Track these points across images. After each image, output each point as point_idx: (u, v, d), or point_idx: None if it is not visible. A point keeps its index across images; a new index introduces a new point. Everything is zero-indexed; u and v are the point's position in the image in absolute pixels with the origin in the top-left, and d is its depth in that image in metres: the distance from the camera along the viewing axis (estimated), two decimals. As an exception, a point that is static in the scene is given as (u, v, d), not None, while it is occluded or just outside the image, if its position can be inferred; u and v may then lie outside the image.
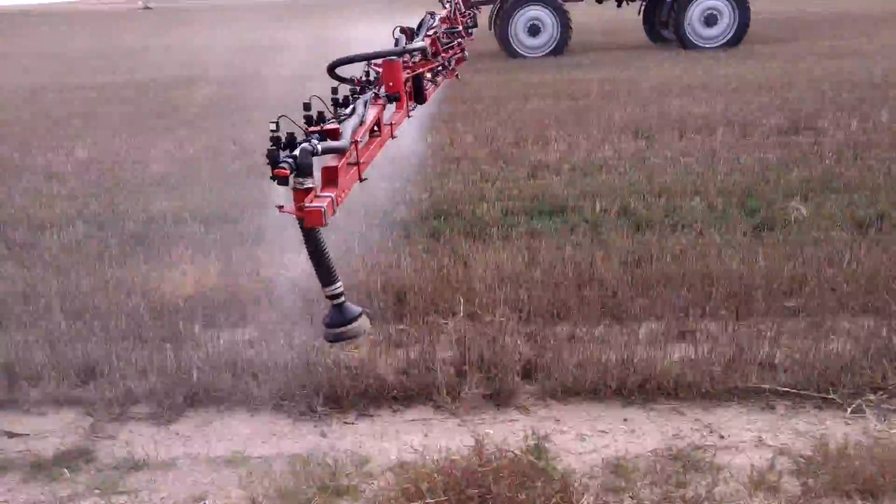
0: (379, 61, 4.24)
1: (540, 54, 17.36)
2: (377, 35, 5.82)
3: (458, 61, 7.09)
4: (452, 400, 3.47)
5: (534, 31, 17.37)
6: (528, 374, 3.71)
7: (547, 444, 2.99)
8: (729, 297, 4.31)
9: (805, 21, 23.48)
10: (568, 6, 17.48)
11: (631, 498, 2.84)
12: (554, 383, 3.58)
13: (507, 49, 17.51)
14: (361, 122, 3.16)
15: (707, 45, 16.90)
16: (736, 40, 16.96)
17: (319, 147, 2.57)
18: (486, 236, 5.44)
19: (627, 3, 18.94)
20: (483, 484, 2.60)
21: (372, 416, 3.43)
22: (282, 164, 2.38)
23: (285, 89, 9.22)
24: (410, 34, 5.73)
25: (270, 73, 13.83)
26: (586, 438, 3.27)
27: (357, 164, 3.00)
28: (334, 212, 2.58)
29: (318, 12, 31.05)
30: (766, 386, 3.51)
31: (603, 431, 3.32)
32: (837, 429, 3.26)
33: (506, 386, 3.55)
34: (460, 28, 8.06)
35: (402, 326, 4.11)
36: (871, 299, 4.25)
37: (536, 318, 4.22)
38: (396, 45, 4.79)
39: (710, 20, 16.97)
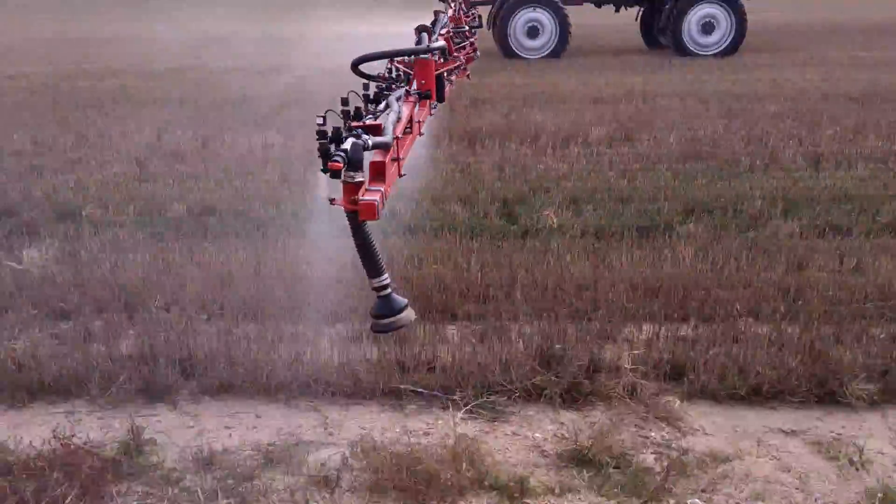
0: (400, 59, 4.28)
1: (538, 56, 17.43)
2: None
3: (468, 60, 7.13)
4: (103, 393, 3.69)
5: (533, 32, 17.44)
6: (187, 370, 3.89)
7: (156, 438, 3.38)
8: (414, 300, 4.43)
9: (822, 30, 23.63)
10: (568, 9, 17.58)
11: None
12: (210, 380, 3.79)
13: (505, 50, 17.56)
14: (398, 119, 3.18)
15: (704, 53, 17.07)
16: (732, 48, 17.14)
17: (370, 142, 2.59)
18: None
19: (626, 8, 19.06)
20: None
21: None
22: (335, 158, 2.40)
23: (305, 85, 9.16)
24: (429, 32, 5.76)
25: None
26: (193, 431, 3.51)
27: (397, 159, 3.02)
28: (384, 206, 2.60)
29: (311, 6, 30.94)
30: (403, 386, 3.71)
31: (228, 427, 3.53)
32: (443, 427, 3.46)
33: (161, 381, 3.76)
34: (466, 28, 8.10)
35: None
36: (547, 305, 4.43)
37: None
38: (419, 43, 4.81)
39: (707, 28, 17.14)
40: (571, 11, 17.73)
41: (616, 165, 7.62)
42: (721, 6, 16.97)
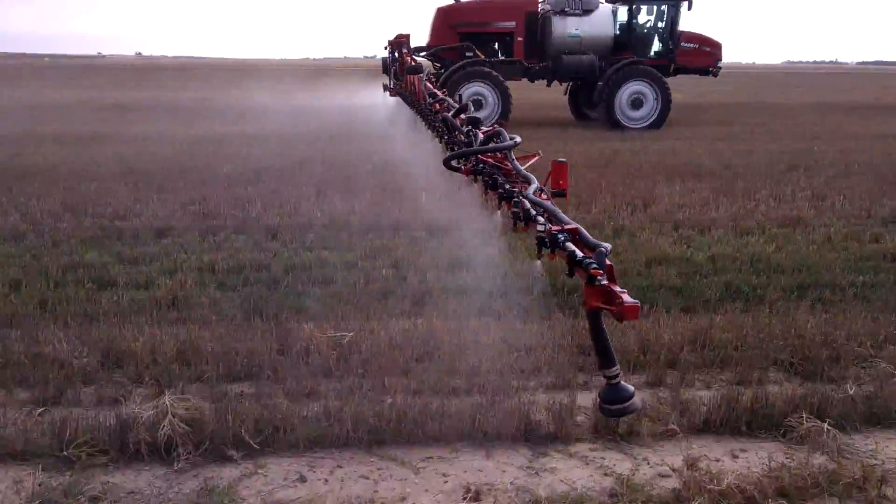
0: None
1: (482, 127, 18.15)
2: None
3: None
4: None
5: (477, 105, 18.22)
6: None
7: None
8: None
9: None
10: (507, 83, 18.54)
11: None
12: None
13: (450, 121, 18.19)
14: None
15: (634, 126, 18.40)
16: (659, 122, 18.58)
17: (609, 248, 2.88)
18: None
19: (561, 84, 20.28)
20: None
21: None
22: (593, 265, 2.71)
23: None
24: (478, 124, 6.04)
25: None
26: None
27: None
28: None
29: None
30: None
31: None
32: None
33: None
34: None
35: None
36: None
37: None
38: (490, 138, 5.06)
39: (636, 103, 18.53)
40: (510, 86, 18.72)
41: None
42: (649, 84, 18.44)
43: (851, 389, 4.08)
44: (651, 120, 18.56)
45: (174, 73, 58.80)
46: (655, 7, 19.08)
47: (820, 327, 4.93)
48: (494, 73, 18.27)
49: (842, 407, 3.98)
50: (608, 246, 2.87)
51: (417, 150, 9.04)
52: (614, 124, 18.40)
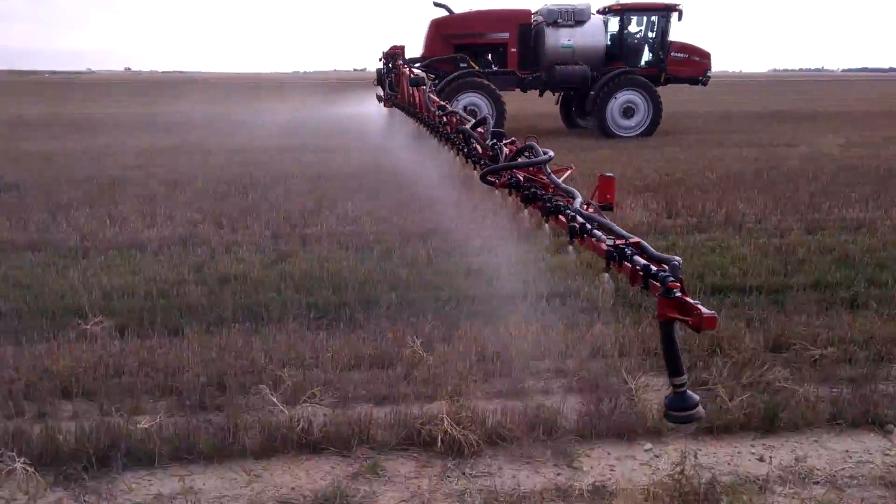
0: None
1: (476, 137, 18.36)
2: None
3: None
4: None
5: (471, 115, 18.41)
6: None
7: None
8: None
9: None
10: (501, 94, 18.78)
11: None
12: None
13: (446, 131, 18.41)
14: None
15: (625, 135, 18.69)
16: (650, 131, 18.87)
17: (680, 261, 3.03)
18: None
19: (554, 94, 20.57)
20: None
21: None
22: (671, 279, 2.86)
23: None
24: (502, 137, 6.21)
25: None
26: None
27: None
28: None
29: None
30: None
31: None
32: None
33: None
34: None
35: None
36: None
37: None
38: (527, 151, 5.22)
39: (627, 112, 18.83)
40: (503, 96, 18.94)
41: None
42: (640, 93, 18.75)
43: None
44: (643, 128, 18.86)
45: (134, 88, 59.21)
46: (646, 18, 19.40)
47: None
48: (488, 84, 18.52)
49: None
50: (679, 259, 3.00)
51: (436, 161, 9.21)
52: (606, 133, 18.68)
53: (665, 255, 3.12)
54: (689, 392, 3.04)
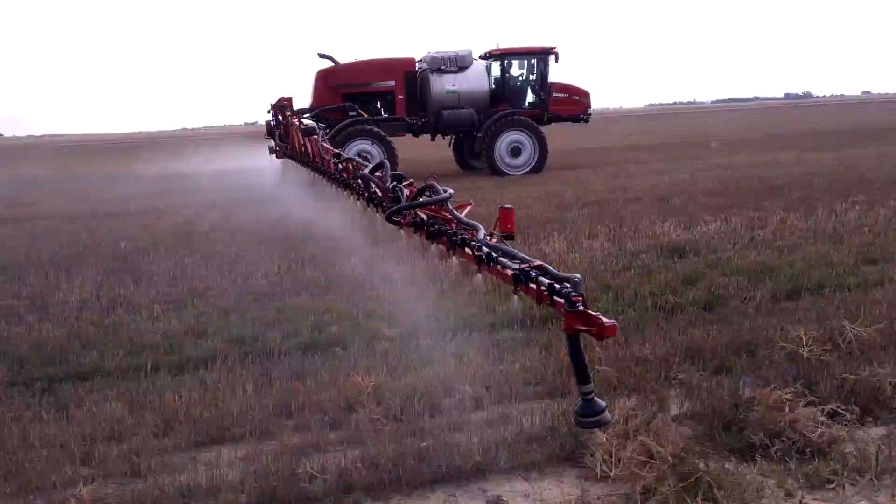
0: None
1: (370, 183, 18.51)
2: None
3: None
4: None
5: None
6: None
7: None
8: None
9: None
10: (391, 139, 19.08)
11: None
12: None
13: (339, 179, 18.48)
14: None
15: (515, 173, 19.32)
16: (538, 167, 19.62)
17: (580, 278, 3.23)
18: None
19: (444, 137, 21.07)
20: None
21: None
22: (574, 294, 3.07)
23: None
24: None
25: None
26: None
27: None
28: None
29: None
30: None
31: None
32: None
33: None
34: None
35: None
36: None
37: None
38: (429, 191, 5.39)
39: (515, 151, 19.53)
40: (394, 142, 19.24)
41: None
42: (525, 133, 19.53)
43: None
44: (531, 166, 19.58)
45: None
46: (526, 61, 20.35)
47: None
48: (378, 131, 18.79)
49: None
50: (579, 276, 3.22)
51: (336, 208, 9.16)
52: (497, 172, 19.26)
53: (566, 274, 3.33)
54: (597, 399, 3.24)
